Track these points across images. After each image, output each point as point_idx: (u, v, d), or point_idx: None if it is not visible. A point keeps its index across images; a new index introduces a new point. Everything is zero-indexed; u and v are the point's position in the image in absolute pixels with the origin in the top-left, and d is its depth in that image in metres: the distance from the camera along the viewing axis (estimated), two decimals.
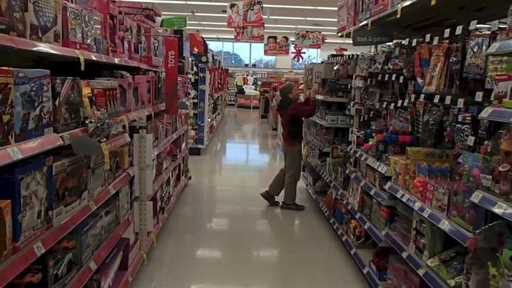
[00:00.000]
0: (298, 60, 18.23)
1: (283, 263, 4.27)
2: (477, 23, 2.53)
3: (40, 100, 1.85)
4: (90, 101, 2.38)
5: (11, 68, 1.63)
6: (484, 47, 2.32)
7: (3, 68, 1.61)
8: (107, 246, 2.79)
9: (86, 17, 2.50)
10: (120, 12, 3.28)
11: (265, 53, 17.39)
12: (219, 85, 14.74)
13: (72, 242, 2.30)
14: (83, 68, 2.30)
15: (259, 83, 23.66)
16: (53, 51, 2.05)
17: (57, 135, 1.98)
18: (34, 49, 1.86)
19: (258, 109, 19.52)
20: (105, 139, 2.47)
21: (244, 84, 24.81)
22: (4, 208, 1.65)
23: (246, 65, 28.16)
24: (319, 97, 5.75)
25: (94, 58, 2.55)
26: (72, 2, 2.54)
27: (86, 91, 2.37)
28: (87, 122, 2.26)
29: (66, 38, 2.26)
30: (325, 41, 16.58)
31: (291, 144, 5.77)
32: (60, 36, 2.19)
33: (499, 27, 2.24)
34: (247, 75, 26.43)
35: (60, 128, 2.05)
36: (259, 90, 21.20)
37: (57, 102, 2.02)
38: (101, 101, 2.55)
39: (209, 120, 10.54)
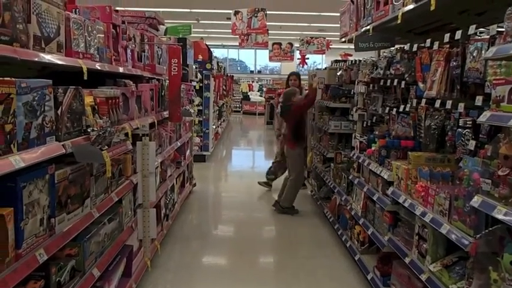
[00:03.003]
0: (303, 66, 18.23)
1: (288, 269, 4.25)
2: (479, 27, 2.53)
3: (42, 109, 1.88)
4: (92, 110, 2.42)
5: (13, 79, 1.67)
6: (483, 52, 2.32)
7: (5, 78, 1.64)
8: (110, 253, 2.81)
9: (89, 27, 2.55)
10: (123, 22, 3.33)
11: (270, 59, 17.43)
12: (224, 92, 14.81)
13: (75, 249, 2.33)
14: (85, 77, 2.34)
15: (264, 89, 23.71)
16: (56, 61, 2.09)
17: (59, 144, 2.01)
18: (36, 59, 1.90)
19: (264, 115, 19.55)
20: (106, 147, 2.50)
21: (249, 90, 24.87)
22: (6, 216, 1.68)
23: (252, 72, 28.22)
24: (325, 103, 5.77)
25: (97, 67, 2.59)
26: (75, 13, 2.60)
27: (89, 100, 2.41)
28: (89, 130, 2.29)
29: (69, 48, 2.31)
30: (330, 46, 16.53)
31: (293, 147, 5.78)
32: (63, 47, 2.24)
33: (497, 31, 2.24)
34: (253, 81, 26.49)
35: (63, 136, 2.08)
36: (264, 97, 21.26)
37: (59, 111, 2.05)
38: (104, 110, 2.59)
39: (214, 127, 10.58)
